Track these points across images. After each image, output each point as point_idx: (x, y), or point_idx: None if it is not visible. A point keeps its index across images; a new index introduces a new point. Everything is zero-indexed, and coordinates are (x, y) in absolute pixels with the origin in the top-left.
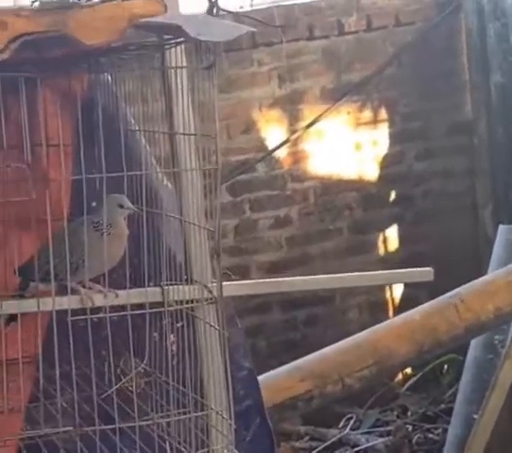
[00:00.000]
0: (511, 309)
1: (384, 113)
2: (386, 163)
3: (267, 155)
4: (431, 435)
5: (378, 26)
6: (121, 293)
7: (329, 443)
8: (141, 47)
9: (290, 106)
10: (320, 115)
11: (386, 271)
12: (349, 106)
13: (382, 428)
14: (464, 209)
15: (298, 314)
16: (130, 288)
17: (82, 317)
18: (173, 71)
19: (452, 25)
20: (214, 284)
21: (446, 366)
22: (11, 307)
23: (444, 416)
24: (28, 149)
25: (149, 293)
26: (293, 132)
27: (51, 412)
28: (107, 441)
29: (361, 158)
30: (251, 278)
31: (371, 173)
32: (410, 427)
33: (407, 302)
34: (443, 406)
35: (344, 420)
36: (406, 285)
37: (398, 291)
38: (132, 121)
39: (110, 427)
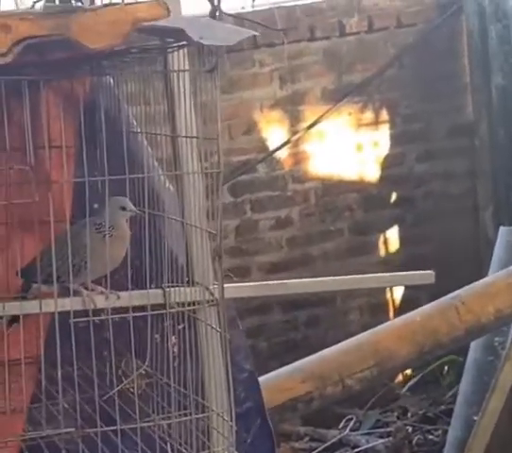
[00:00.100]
0: (511, 311)
1: (385, 115)
2: (387, 165)
3: (268, 155)
4: (431, 436)
5: (379, 28)
6: (123, 294)
7: (329, 443)
8: (143, 50)
9: (291, 107)
10: (321, 116)
11: (388, 273)
12: (351, 107)
13: (382, 429)
14: (465, 211)
15: (298, 315)
16: (132, 290)
17: (84, 319)
18: (175, 74)
19: (453, 26)
20: (216, 286)
21: (446, 367)
22: (14, 308)
23: (444, 417)
24: (31, 151)
25: (151, 295)
26: (294, 133)
27: (52, 413)
28: (108, 442)
29: (362, 159)
30: (252, 279)
31: (372, 174)
32: (410, 429)
33: (408, 303)
34: (443, 407)
35: (344, 421)
36: (407, 287)
37: (398, 292)
38: (134, 123)
39: (112, 428)
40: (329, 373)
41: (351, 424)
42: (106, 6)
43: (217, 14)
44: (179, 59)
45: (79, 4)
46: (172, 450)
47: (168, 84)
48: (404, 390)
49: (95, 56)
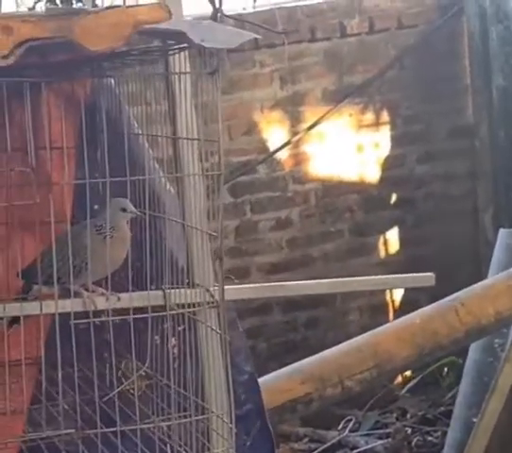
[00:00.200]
0: (511, 313)
1: (385, 116)
2: (388, 166)
3: (269, 156)
4: (430, 438)
5: (380, 29)
6: (123, 296)
7: (328, 445)
8: (145, 52)
9: (292, 107)
10: (322, 117)
11: (388, 276)
12: (351, 108)
13: (381, 431)
14: (465, 213)
15: (298, 316)
16: (132, 291)
17: (85, 321)
18: (176, 76)
19: (454, 27)
20: (216, 288)
21: (446, 369)
22: (14, 309)
23: (443, 419)
24: (32, 153)
25: (151, 297)
26: (294, 134)
27: (52, 414)
28: (108, 443)
29: (362, 160)
30: (252, 280)
31: (373, 175)
32: (409, 430)
33: (407, 305)
34: (443, 409)
35: (343, 422)
36: (407, 288)
37: (398, 294)
38: (135, 124)
39: (112, 429)
40: (328, 374)
41: (351, 425)
42: (108, 8)
43: (219, 16)
44: (180, 61)
45: (81, 6)
46: (172, 452)
47: (169, 86)
48: (404, 391)
49: (97, 58)
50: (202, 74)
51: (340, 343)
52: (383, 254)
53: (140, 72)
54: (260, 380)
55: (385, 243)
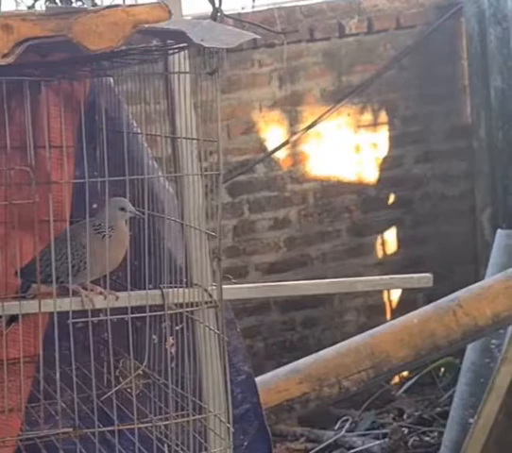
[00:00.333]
0: (509, 314)
1: (383, 116)
2: (386, 166)
3: (267, 156)
4: (427, 438)
5: (379, 29)
6: (121, 295)
7: (324, 444)
8: (144, 52)
9: (290, 107)
10: (320, 117)
11: (385, 276)
12: (349, 108)
13: (377, 431)
14: (463, 213)
15: (296, 316)
16: (131, 290)
17: (83, 319)
18: (176, 75)
19: (452, 28)
20: (214, 287)
21: (442, 370)
22: (12, 308)
23: (440, 419)
24: (32, 151)
25: (149, 296)
26: (293, 134)
27: (49, 413)
28: (105, 442)
29: (360, 160)
30: (249, 280)
31: (371, 175)
32: (406, 430)
33: (405, 305)
34: (439, 409)
35: (340, 422)
36: (404, 288)
37: (395, 293)
38: (134, 123)
39: (110, 428)
40: (325, 374)
41: (347, 425)
42: (107, 7)
43: (218, 16)
44: (179, 61)
45: (81, 5)
46: (169, 451)
47: (169, 85)
48: (400, 391)
49: (96, 57)
50: (202, 73)
51: (337, 342)
52: (380, 254)
53: (139, 71)
54: (257, 380)
55: (383, 243)
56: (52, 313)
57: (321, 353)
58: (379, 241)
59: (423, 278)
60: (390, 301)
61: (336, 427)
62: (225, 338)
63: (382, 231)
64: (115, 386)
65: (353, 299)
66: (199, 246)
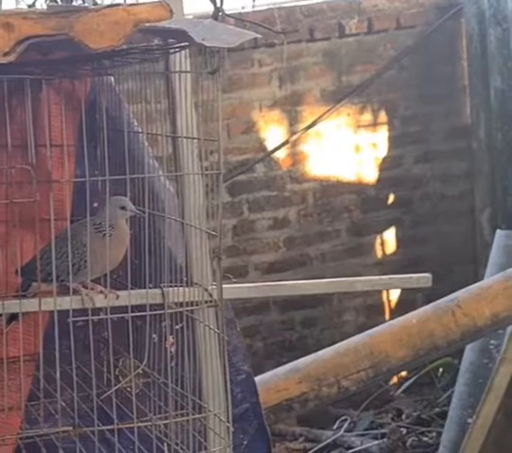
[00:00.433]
0: (508, 314)
1: (383, 116)
2: (385, 166)
3: (267, 156)
4: (425, 438)
5: (379, 29)
6: (122, 294)
7: (323, 444)
8: (145, 51)
9: (290, 107)
10: (320, 117)
11: (385, 276)
12: (349, 108)
13: (376, 431)
14: (462, 214)
15: (295, 315)
16: (131, 289)
17: (83, 318)
18: (177, 74)
19: (452, 29)
20: (214, 287)
21: (441, 370)
22: (13, 306)
23: (438, 420)
24: (33, 150)
25: (150, 295)
26: (292, 133)
27: (49, 411)
28: (104, 441)
29: (360, 160)
30: (249, 279)
31: (370, 175)
32: (404, 430)
33: (404, 305)
34: (438, 409)
35: (338, 422)
36: (403, 288)
37: (395, 293)
38: (135, 123)
39: (109, 427)
40: (325, 374)
41: (346, 425)
42: (109, 6)
43: (220, 15)
44: (180, 60)
45: (82, 3)
46: (169, 450)
47: (169, 84)
48: (399, 391)
49: (97, 56)
50: (203, 73)
51: (336, 342)
52: (380, 254)
53: (140, 70)
54: (256, 379)
55: (383, 243)
56: (52, 312)
57: (320, 353)
58: (378, 241)
59: (422, 278)
60: (389, 301)
61: (335, 426)
62: (225, 337)
63: (381, 231)
64: (115, 385)
65: (352, 299)
66: (200, 246)
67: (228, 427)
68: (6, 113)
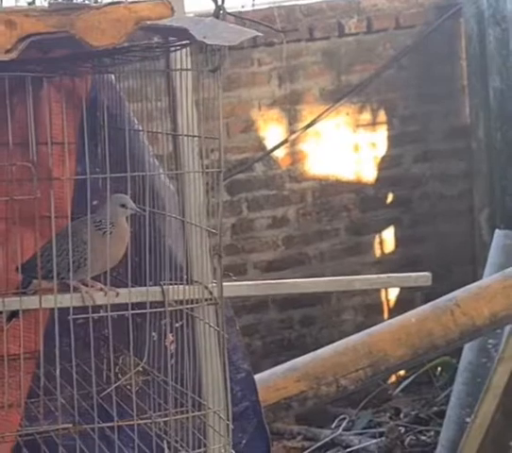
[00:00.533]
0: (506, 314)
1: (382, 115)
2: (384, 165)
3: (266, 155)
4: (423, 437)
5: (378, 29)
6: (122, 291)
7: (321, 443)
8: (146, 49)
9: (289, 106)
10: (319, 116)
11: (384, 275)
12: (348, 107)
13: (374, 430)
14: (461, 213)
15: (293, 314)
16: (131, 287)
17: (84, 315)
18: (178, 72)
19: (451, 29)
20: (214, 285)
21: (439, 369)
22: (13, 303)
23: (437, 419)
24: (34, 148)
25: (150, 293)
26: (292, 132)
27: (49, 409)
28: (104, 438)
29: (359, 159)
30: (248, 278)
31: (369, 175)
32: (402, 429)
33: (402, 304)
34: (436, 408)
35: (337, 420)
36: (402, 287)
37: (393, 293)
38: (135, 121)
39: (109, 424)
40: (323, 372)
41: (344, 423)
42: (110, 4)
43: (221, 13)
44: (181, 58)
45: (83, 1)
46: (168, 448)
47: (170, 82)
48: (397, 391)
49: (98, 53)
50: (204, 71)
51: (335, 341)
52: (378, 253)
53: (141, 68)
54: (255, 378)
55: (381, 242)
56: (52, 309)
57: (319, 352)
58: (377, 240)
59: (421, 277)
60: (388, 300)
61: (333, 425)
62: (225, 335)
63: (380, 230)
64: (115, 383)
65: (351, 298)
66: (200, 243)
67: (227, 425)
68: (7, 111)
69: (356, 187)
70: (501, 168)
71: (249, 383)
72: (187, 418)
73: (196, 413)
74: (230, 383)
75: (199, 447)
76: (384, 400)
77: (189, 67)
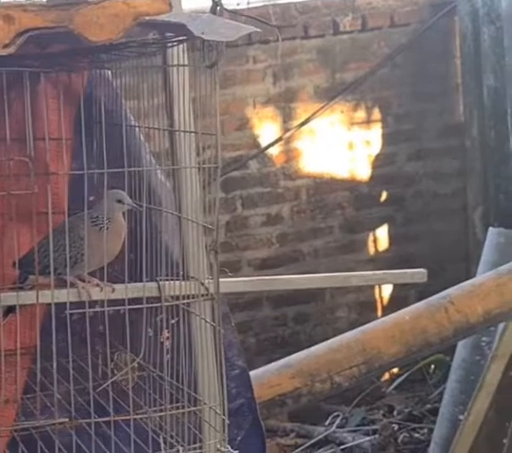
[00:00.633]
0: (500, 311)
1: (377, 113)
2: (378, 163)
3: (260, 152)
4: (416, 435)
5: (373, 27)
6: (118, 287)
7: (315, 440)
8: (143, 44)
9: (284, 104)
10: (314, 114)
11: (380, 271)
12: (343, 105)
13: (368, 427)
14: (454, 211)
15: (287, 311)
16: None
17: (80, 311)
18: (174, 68)
19: (446, 27)
20: (210, 280)
21: (433, 366)
22: (10, 298)
23: (430, 416)
24: (31, 143)
25: (146, 288)
26: (286, 130)
27: (44, 404)
28: (99, 434)
29: (353, 157)
30: (242, 275)
31: (363, 172)
32: (396, 427)
33: (396, 302)
34: (429, 406)
35: (330, 418)
36: (396, 285)
37: (387, 290)
38: (132, 117)
39: (106, 419)
40: (317, 369)
41: (338, 421)
42: None
43: (218, 9)
44: (178, 54)
45: None
46: (164, 443)
47: (167, 78)
48: (391, 388)
49: (95, 49)
50: (201, 67)
51: (328, 338)
52: (372, 251)
53: (138, 64)
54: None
55: (375, 240)
56: (48, 305)
57: (313, 349)
58: (371, 238)
59: (417, 274)
60: (382, 298)
61: (327, 422)
62: (221, 331)
63: (374, 228)
64: (110, 378)
65: (345, 295)
66: (196, 240)
67: (223, 421)
68: (4, 106)
69: (350, 185)
70: (494, 166)
71: (245, 380)
72: (183, 413)
73: (192, 408)
74: (226, 380)
75: (195, 443)
76: (378, 398)
77: (186, 63)
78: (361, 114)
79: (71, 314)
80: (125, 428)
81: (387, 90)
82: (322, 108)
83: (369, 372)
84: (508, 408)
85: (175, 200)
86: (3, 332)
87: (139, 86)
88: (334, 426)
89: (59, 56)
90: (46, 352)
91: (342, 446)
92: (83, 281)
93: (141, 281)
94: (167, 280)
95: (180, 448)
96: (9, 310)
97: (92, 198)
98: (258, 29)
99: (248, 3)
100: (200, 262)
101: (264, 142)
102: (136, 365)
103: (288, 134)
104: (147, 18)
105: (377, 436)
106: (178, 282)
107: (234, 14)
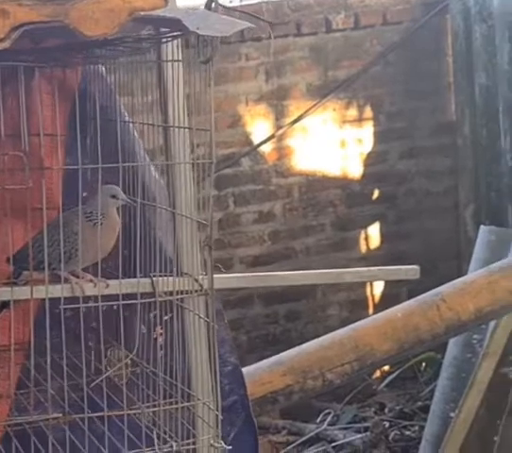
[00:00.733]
0: (491, 309)
1: (369, 111)
2: (370, 161)
3: (253, 150)
4: (407, 432)
5: (365, 25)
6: (112, 282)
7: (306, 437)
8: (138, 40)
9: (276, 101)
10: (306, 112)
11: (373, 268)
12: (335, 103)
13: (359, 424)
14: (446, 209)
15: (279, 309)
16: (121, 278)
17: (73, 306)
18: (169, 64)
19: (438, 25)
20: (204, 277)
21: (424, 364)
22: (4, 294)
23: (421, 414)
24: (26, 138)
25: (140, 284)
26: (278, 128)
27: (38, 400)
28: (92, 430)
29: (345, 155)
30: (234, 272)
31: (355, 170)
32: (387, 424)
33: (387, 299)
34: (420, 403)
35: (322, 415)
36: (387, 282)
37: (378, 288)
38: (126, 113)
39: (99, 414)
40: (309, 366)
41: (329, 418)
42: None
43: (213, 5)
44: (173, 50)
45: None
46: (157, 439)
47: (162, 74)
48: (382, 386)
49: (90, 44)
50: (196, 62)
51: (320, 336)
52: (364, 249)
53: (132, 60)
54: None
55: (367, 237)
56: (42, 301)
57: (304, 346)
58: (363, 235)
59: (410, 270)
60: (373, 296)
61: (318, 420)
62: (215, 326)
63: (366, 226)
64: (103, 374)
65: (336, 293)
66: (190, 236)
67: (216, 416)
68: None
69: (342, 183)
70: (486, 164)
71: (237, 377)
72: (176, 409)
73: (186, 404)
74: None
75: (188, 438)
76: (369, 395)
77: (181, 58)
78: (353, 112)
79: (65, 310)
80: (118, 424)
81: (380, 88)
82: (314, 105)
83: (361, 369)
84: (499, 405)
85: (169, 196)
86: None
87: (133, 82)
88: (326, 423)
89: (54, 51)
90: (40, 348)
91: (333, 444)
92: (77, 277)
93: (134, 277)
94: (161, 276)
95: (174, 444)
96: (4, 305)
97: (85, 194)
98: (252, 25)
99: (241, 0)
100: (194, 258)
101: (256, 140)
102: (129, 361)
103: (280, 132)
104: (143, 13)
105: (368, 433)
106: (171, 278)
107: (229, 10)
